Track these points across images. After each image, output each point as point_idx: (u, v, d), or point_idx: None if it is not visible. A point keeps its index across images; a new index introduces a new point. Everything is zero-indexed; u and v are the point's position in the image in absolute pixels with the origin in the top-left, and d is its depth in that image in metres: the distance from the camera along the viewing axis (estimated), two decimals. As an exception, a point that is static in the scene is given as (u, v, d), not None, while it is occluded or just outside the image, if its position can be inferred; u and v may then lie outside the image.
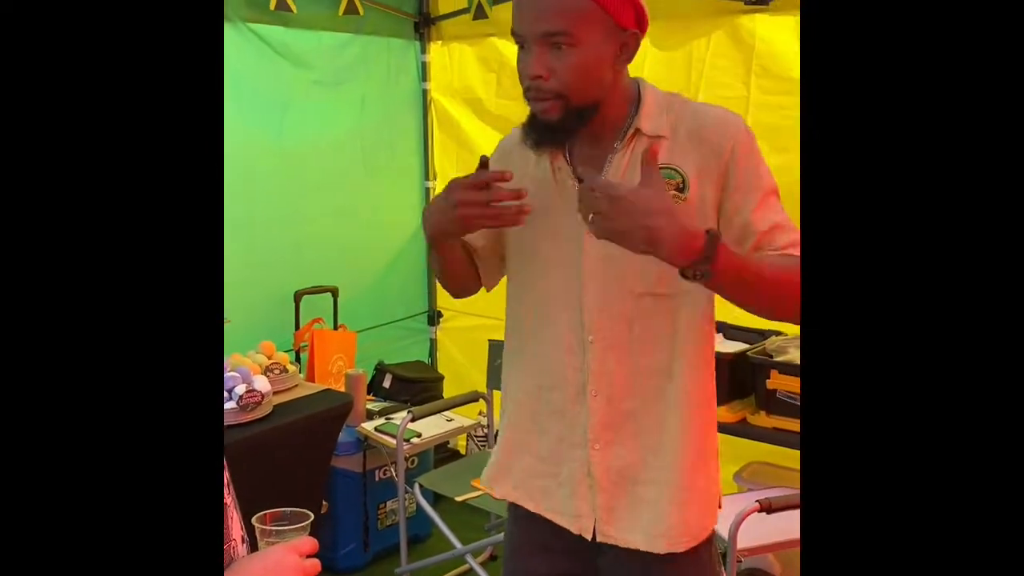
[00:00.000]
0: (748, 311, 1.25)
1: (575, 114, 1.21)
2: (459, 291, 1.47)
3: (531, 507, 1.38)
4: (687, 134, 1.24)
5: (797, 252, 1.20)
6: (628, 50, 1.23)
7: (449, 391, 3.48)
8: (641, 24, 1.23)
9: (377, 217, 3.51)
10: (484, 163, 1.26)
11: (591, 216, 1.10)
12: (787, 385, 2.30)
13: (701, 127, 1.24)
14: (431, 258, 1.41)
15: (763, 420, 2.34)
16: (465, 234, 1.31)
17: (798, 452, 2.49)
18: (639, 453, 1.29)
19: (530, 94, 1.22)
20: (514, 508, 1.43)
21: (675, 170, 1.24)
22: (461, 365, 3.67)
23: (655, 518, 1.29)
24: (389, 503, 2.96)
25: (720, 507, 1.38)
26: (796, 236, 1.23)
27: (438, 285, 3.80)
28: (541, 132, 1.24)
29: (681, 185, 1.23)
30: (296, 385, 2.67)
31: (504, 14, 3.24)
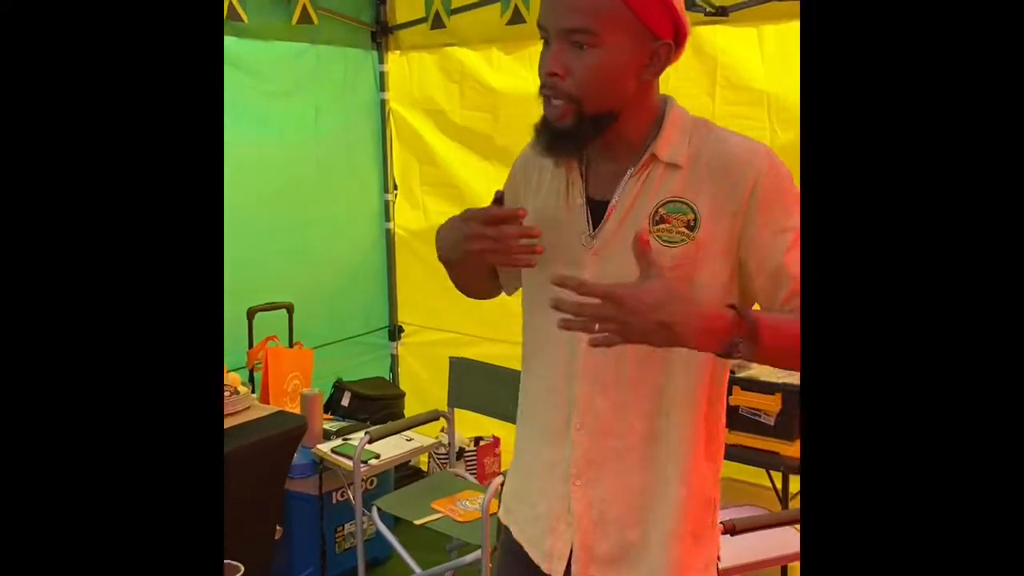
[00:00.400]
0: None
1: (589, 122, 1.13)
2: (477, 296, 1.45)
3: (515, 533, 1.32)
4: (707, 165, 1.14)
5: None
6: (659, 61, 1.13)
7: (411, 408, 3.41)
8: (679, 36, 1.13)
9: (334, 230, 3.43)
10: (499, 198, 1.20)
11: (597, 326, 1.02)
12: (750, 402, 2.27)
13: (722, 158, 1.14)
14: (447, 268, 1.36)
15: (726, 437, 2.29)
16: (478, 264, 1.26)
17: (762, 470, 2.46)
18: (623, 494, 1.21)
19: (544, 91, 1.14)
20: (507, 535, 1.35)
21: (687, 205, 1.14)
22: (424, 381, 3.60)
23: (639, 566, 1.22)
24: (347, 526, 2.88)
25: (719, 559, 1.29)
26: None
27: (399, 299, 3.74)
28: (551, 138, 1.16)
29: (692, 223, 1.14)
30: (248, 407, 2.58)
31: (462, 23, 3.19)
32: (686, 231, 1.14)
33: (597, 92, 1.11)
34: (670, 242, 1.15)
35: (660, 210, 1.16)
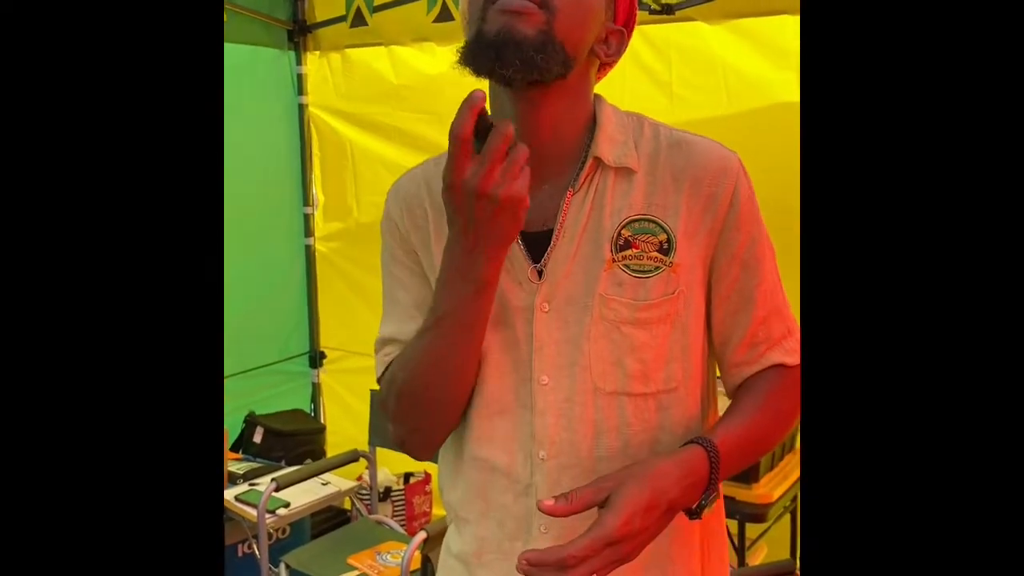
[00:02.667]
0: None
1: (556, 47, 0.83)
2: (454, 412, 0.96)
3: None
4: (670, 173, 0.91)
5: (789, 355, 0.95)
6: (609, 47, 0.92)
7: (335, 443, 3.10)
8: (629, 24, 0.93)
9: (246, 247, 3.09)
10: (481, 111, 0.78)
11: None
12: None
13: (692, 165, 0.91)
14: (433, 363, 0.92)
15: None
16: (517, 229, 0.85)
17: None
18: None
19: None
20: None
21: (656, 223, 0.90)
22: (353, 412, 3.29)
23: None
24: (256, 581, 2.56)
25: None
26: (791, 321, 0.96)
27: (320, 321, 3.42)
28: (500, 46, 0.82)
29: (666, 245, 0.90)
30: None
31: (386, 21, 2.91)
32: (660, 256, 0.90)
33: (574, 15, 0.85)
34: (642, 272, 0.89)
35: (623, 232, 0.90)
